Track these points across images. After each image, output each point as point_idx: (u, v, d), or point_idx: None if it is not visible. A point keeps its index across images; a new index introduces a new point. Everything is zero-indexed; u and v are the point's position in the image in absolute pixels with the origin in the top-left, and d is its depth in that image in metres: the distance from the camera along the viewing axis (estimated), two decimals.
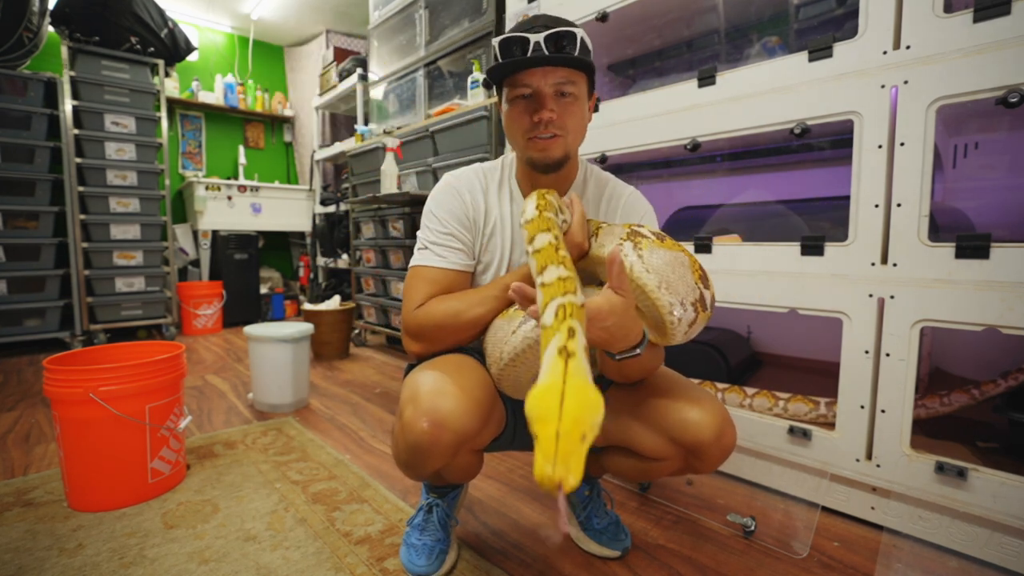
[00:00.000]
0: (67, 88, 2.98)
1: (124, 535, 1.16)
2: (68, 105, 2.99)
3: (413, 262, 0.99)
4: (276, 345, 1.96)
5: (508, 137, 0.95)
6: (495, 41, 0.87)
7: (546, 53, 0.84)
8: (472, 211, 0.99)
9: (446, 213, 0.98)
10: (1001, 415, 1.20)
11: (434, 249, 0.97)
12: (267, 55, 4.84)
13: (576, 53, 0.85)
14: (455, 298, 0.93)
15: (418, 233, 1.01)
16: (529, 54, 0.84)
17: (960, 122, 1.55)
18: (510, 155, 1.04)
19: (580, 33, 0.86)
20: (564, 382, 0.50)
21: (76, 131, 3.02)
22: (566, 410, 0.48)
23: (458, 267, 0.97)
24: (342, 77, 3.98)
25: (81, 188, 3.04)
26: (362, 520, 1.21)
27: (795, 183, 1.93)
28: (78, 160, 3.02)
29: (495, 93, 0.96)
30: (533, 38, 0.84)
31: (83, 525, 1.20)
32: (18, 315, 2.92)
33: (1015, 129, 1.48)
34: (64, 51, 2.99)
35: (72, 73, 3.00)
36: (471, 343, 0.96)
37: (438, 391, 0.81)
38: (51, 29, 3.05)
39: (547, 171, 0.93)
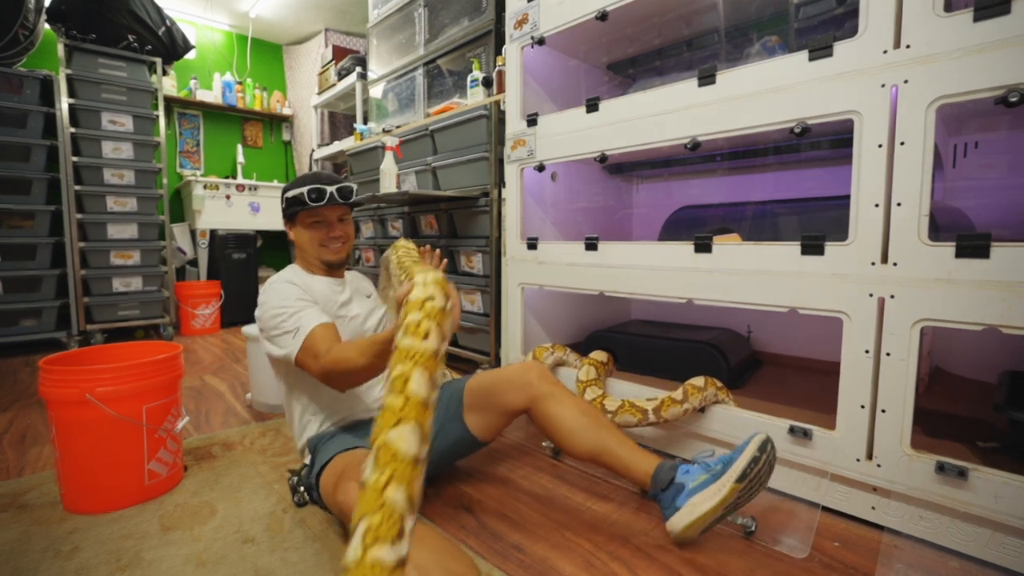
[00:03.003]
0: (63, 86, 2.97)
1: (120, 538, 1.15)
2: (64, 103, 2.97)
3: (292, 347, 1.17)
4: None
5: (304, 246, 1.33)
6: (303, 189, 1.26)
7: (337, 199, 1.28)
8: (302, 291, 1.26)
9: (288, 298, 1.23)
10: (1001, 415, 1.20)
11: (305, 318, 1.19)
12: (265, 53, 4.83)
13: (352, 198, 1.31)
14: (347, 348, 1.10)
15: (275, 332, 1.21)
16: (326, 199, 1.27)
17: (960, 121, 1.55)
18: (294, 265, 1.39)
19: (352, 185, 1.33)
20: None
21: (72, 129, 3.00)
22: None
23: (327, 320, 1.20)
24: (341, 76, 3.97)
25: (77, 187, 3.02)
26: None
27: (795, 183, 1.93)
28: (74, 159, 3.01)
29: (289, 220, 1.36)
30: (329, 189, 1.27)
31: (79, 528, 1.19)
32: (14, 315, 2.90)
33: (1015, 128, 1.48)
34: (60, 49, 2.97)
35: (68, 71, 2.98)
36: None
37: None
38: (47, 26, 3.03)
39: (339, 267, 1.39)
